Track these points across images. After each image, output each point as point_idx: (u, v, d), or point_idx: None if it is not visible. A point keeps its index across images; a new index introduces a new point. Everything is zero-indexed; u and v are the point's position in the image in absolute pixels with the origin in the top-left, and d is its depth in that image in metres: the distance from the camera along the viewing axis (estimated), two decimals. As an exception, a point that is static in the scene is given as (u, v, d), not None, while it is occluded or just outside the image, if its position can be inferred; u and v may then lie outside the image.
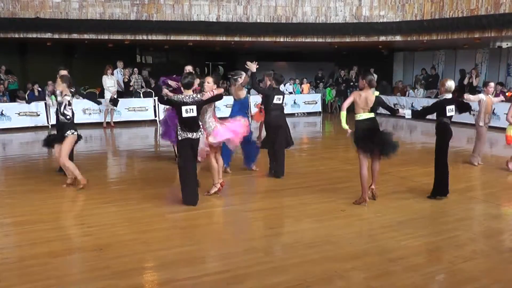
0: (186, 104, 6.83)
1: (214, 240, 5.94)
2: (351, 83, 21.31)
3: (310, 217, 6.72)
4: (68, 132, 7.73)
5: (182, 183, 7.08)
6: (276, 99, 8.83)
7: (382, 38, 17.52)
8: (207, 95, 7.05)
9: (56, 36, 16.41)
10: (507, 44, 19.32)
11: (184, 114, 6.84)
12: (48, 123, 15.70)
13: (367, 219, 6.69)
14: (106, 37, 16.82)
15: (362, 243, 5.78)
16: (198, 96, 6.98)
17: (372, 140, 7.05)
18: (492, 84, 10.31)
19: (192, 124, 6.93)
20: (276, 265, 5.11)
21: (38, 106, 16.01)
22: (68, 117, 7.75)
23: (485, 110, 9.96)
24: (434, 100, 8.97)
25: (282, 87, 10.13)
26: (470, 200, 7.69)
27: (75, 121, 8.19)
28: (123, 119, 16.96)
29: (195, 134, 6.94)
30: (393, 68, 24.04)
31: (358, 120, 7.13)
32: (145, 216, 6.68)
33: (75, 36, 16.55)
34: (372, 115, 7.11)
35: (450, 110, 7.36)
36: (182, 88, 7.18)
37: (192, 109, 6.84)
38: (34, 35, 16.15)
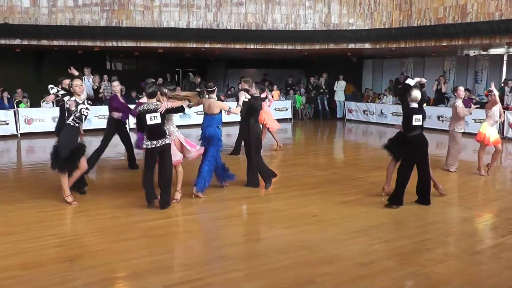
0: (149, 112, 7.04)
1: (187, 248, 5.93)
2: (321, 90, 21.50)
3: (282, 223, 6.76)
4: None
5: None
6: None
7: (351, 46, 17.70)
8: (163, 106, 7.14)
9: (25, 42, 16.14)
10: (474, 52, 19.73)
11: (149, 122, 7.05)
12: (17, 131, 15.40)
13: (338, 224, 6.75)
14: (75, 43, 16.61)
15: (333, 248, 5.84)
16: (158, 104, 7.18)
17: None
18: (461, 88, 10.01)
19: (157, 131, 7.12)
20: (249, 272, 5.13)
21: (7, 115, 15.63)
22: None
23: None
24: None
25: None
26: (441, 204, 7.78)
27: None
28: (93, 127, 16.68)
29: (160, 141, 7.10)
30: (363, 75, 24.35)
31: None
32: (116, 225, 6.62)
33: (44, 42, 16.30)
34: None
35: (417, 119, 7.36)
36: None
37: (156, 116, 7.06)
38: (3, 41, 15.84)
